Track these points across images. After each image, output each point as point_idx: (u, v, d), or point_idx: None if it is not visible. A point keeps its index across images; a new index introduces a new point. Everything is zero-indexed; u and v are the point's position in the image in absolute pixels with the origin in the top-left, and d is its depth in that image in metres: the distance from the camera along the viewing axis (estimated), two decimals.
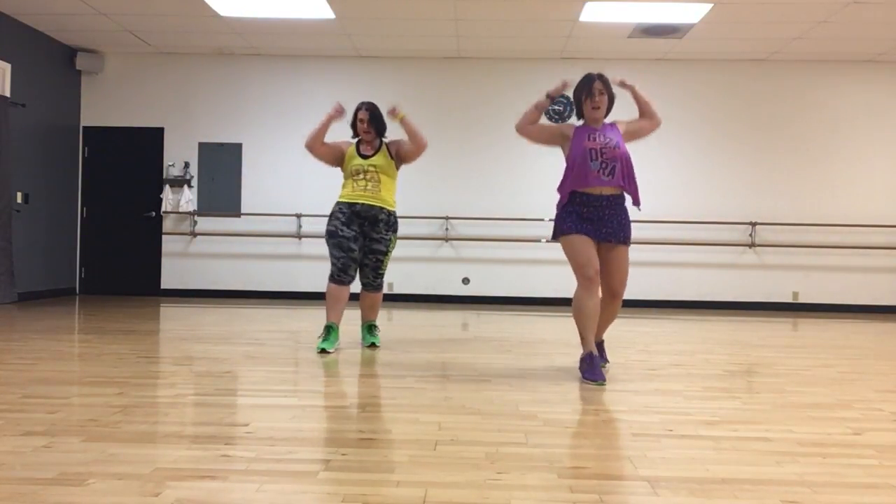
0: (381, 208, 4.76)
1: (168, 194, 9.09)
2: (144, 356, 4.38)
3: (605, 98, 3.99)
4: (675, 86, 9.05)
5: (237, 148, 9.18)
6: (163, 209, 9.13)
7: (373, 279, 4.89)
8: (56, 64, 8.71)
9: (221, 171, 9.18)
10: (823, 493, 2.13)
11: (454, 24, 7.77)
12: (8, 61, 7.83)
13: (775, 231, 9.01)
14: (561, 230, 3.92)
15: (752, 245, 8.98)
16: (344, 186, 4.85)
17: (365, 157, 4.79)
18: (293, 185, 9.12)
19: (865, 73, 8.97)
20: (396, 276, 9.07)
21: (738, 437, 2.75)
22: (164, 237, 9.24)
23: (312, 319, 6.71)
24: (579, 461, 2.39)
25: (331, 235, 4.74)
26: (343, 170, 4.90)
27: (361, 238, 4.78)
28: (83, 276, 9.28)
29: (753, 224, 8.93)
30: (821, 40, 8.09)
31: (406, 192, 8.60)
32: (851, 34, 7.84)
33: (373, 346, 4.92)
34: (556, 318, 7.24)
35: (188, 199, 9.06)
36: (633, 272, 8.99)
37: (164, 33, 8.35)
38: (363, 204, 4.72)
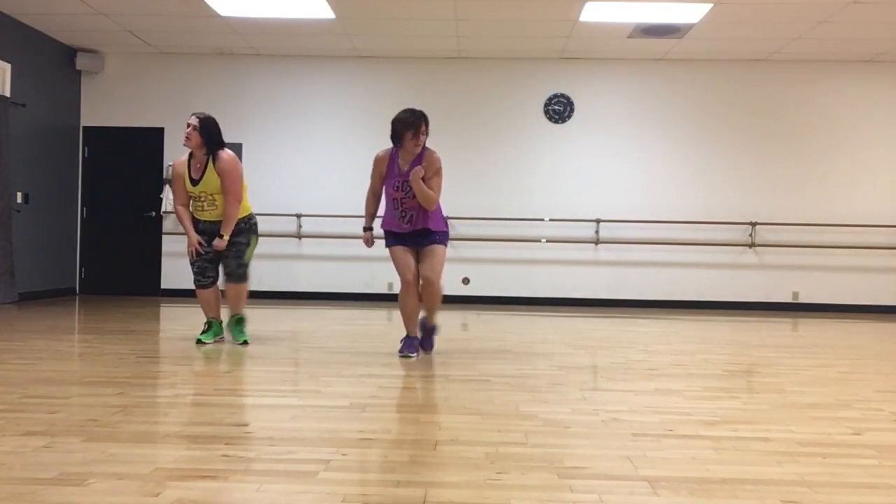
0: (221, 222, 4.85)
1: (168, 194, 9.08)
2: (144, 356, 4.38)
3: (426, 138, 4.45)
4: (675, 86, 9.05)
5: (237, 148, 9.16)
6: (163, 209, 9.13)
7: (236, 268, 4.90)
8: (56, 64, 8.71)
9: None
10: (823, 493, 2.13)
11: (454, 24, 7.77)
12: (8, 61, 7.82)
13: (775, 231, 9.01)
14: (387, 242, 4.68)
15: (752, 245, 8.98)
16: None
17: (194, 181, 4.80)
18: (293, 185, 9.11)
19: (865, 73, 8.97)
20: (396, 276, 9.05)
21: (738, 437, 2.75)
22: (164, 237, 9.23)
23: (312, 319, 6.71)
24: (579, 461, 2.39)
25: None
26: None
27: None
28: (83, 276, 9.28)
29: (753, 224, 8.93)
30: (821, 40, 8.09)
31: None
32: (851, 34, 7.83)
33: (245, 343, 4.92)
34: (556, 318, 7.24)
35: None
36: (633, 272, 9.08)
37: (164, 33, 8.34)
38: (204, 222, 4.90)
